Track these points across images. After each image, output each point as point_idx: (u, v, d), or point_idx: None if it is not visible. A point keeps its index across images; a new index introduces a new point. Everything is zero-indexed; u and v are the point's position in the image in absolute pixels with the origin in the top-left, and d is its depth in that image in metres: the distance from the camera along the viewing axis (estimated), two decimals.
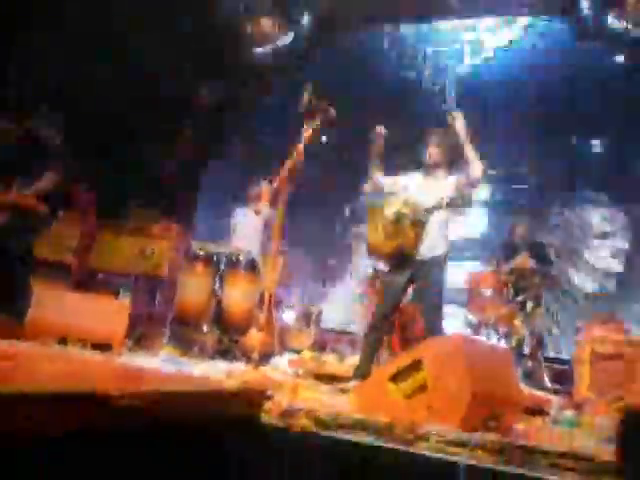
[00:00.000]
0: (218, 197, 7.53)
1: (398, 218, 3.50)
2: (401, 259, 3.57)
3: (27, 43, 5.33)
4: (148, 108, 5.94)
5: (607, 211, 6.98)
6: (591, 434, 2.89)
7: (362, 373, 3.44)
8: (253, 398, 1.88)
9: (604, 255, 6.74)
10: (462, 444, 1.81)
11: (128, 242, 5.90)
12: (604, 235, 6.88)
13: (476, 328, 4.34)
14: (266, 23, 6.40)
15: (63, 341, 3.41)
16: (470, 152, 3.45)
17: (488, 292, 4.47)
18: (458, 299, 4.96)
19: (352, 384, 3.28)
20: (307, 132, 3.31)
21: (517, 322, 4.25)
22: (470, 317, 4.36)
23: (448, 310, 4.71)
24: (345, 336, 5.82)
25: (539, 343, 4.32)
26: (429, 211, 3.46)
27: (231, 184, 7.37)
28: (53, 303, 3.56)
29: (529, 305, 4.28)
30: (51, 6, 5.34)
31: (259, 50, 6.59)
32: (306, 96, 3.35)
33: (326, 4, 6.53)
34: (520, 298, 4.38)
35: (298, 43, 6.81)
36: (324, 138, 7.72)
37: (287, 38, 6.78)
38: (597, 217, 6.99)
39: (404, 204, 3.51)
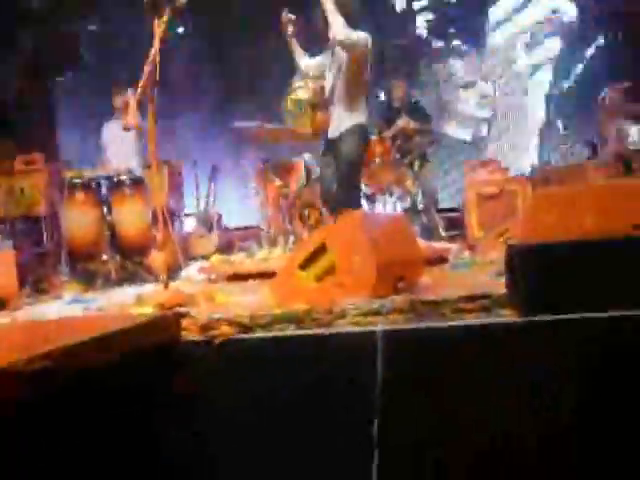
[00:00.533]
0: (80, 115, 6.88)
1: (300, 105, 3.63)
2: (324, 145, 3.72)
3: None
4: None
5: (469, 60, 7.22)
6: (485, 271, 3.20)
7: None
8: (169, 321, 1.86)
9: (472, 103, 7.07)
10: (377, 312, 1.93)
11: None
12: (469, 84, 7.15)
13: (372, 198, 4.49)
14: None
15: None
16: (330, 14, 3.41)
17: (376, 160, 4.58)
18: None
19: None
20: (158, 28, 3.01)
21: (408, 183, 4.44)
22: (365, 188, 4.49)
23: None
24: (249, 232, 5.84)
25: (431, 198, 4.57)
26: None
27: (90, 98, 6.74)
28: None
29: (416, 164, 4.46)
30: None
31: None
32: None
33: None
34: (407, 159, 4.54)
35: None
36: (180, 29, 7.15)
37: None
38: (461, 68, 7.22)
39: (305, 89, 3.64)
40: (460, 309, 1.90)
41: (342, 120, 3.61)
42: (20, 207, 5.17)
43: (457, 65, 7.26)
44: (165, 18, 2.98)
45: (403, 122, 4.78)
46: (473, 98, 7.07)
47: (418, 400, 1.64)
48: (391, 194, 4.47)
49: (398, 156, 4.58)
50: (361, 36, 3.52)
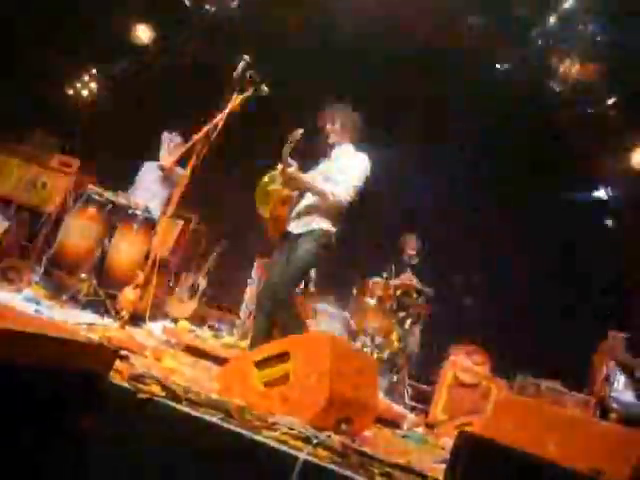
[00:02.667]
0: (129, 146, 7.14)
1: (270, 192, 3.49)
2: (283, 235, 3.51)
3: None
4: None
5: None
6: (432, 453, 3.05)
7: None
8: (102, 354, 1.78)
9: None
10: (307, 439, 1.82)
11: (20, 169, 5.49)
12: None
13: (354, 334, 4.44)
14: None
15: None
16: (315, 189, 3.42)
17: (372, 302, 4.58)
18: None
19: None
20: (234, 100, 3.21)
21: (393, 336, 4.39)
22: (351, 322, 4.45)
23: (332, 311, 4.80)
24: (227, 315, 5.75)
25: (408, 360, 4.50)
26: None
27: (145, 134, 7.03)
28: None
29: (408, 322, 4.44)
30: None
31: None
32: (242, 66, 3.25)
33: None
34: (401, 315, 4.54)
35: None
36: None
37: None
38: None
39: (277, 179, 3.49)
40: (389, 474, 1.79)
41: (310, 219, 3.45)
42: (33, 197, 5.23)
43: None
44: (244, 96, 3.19)
45: (406, 277, 4.84)
46: None
47: None
48: (373, 339, 4.41)
49: (395, 307, 4.59)
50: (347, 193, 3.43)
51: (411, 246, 5.25)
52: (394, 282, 4.77)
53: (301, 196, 3.52)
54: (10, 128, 5.67)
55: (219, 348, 3.89)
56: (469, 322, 5.80)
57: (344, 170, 3.44)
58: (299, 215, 3.48)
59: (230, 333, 4.77)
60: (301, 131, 3.25)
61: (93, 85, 6.58)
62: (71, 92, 6.48)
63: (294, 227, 3.48)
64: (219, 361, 3.48)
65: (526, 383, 4.93)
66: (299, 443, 1.80)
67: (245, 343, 4.34)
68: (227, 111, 3.14)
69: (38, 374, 1.47)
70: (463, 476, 1.64)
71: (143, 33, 6.29)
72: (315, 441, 1.82)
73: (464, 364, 5.01)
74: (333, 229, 3.46)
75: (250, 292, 5.14)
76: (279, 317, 3.36)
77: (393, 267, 4.95)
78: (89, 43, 6.23)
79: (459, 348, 5.03)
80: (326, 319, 4.64)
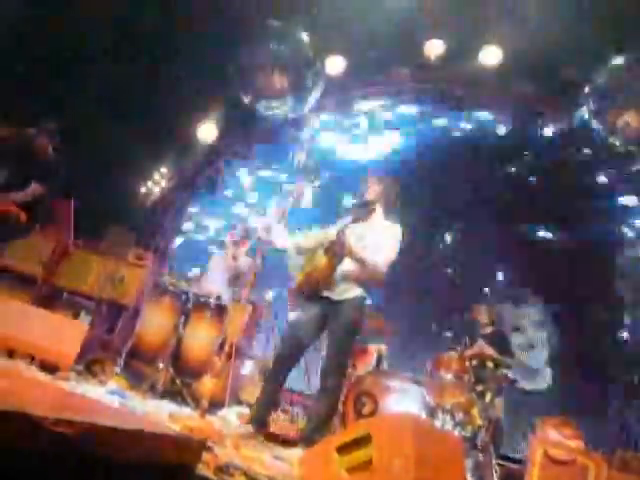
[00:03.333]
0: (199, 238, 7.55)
1: (314, 247, 3.37)
2: (312, 292, 3.35)
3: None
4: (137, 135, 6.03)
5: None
6: None
7: (256, 420, 3.29)
8: (192, 446, 1.81)
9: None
10: None
11: (99, 264, 5.82)
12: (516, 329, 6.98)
13: (432, 411, 4.27)
14: (280, 77, 6.61)
15: (10, 354, 3.29)
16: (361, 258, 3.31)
17: (449, 376, 4.43)
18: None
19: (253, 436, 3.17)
20: (301, 187, 3.37)
21: (474, 412, 4.19)
22: (428, 399, 4.30)
23: (407, 387, 4.66)
24: (300, 397, 5.69)
25: (493, 437, 4.25)
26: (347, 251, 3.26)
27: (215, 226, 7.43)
28: (9, 315, 3.45)
29: (488, 396, 4.24)
30: None
31: (266, 102, 6.76)
32: (303, 156, 3.45)
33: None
34: (480, 387, 4.34)
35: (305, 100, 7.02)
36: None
37: (296, 95, 6.97)
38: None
39: (323, 237, 3.40)
40: None
41: (349, 286, 3.34)
42: (113, 292, 5.51)
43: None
44: (311, 184, 3.33)
45: (479, 347, 4.66)
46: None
47: None
48: (452, 416, 4.21)
49: (472, 381, 4.40)
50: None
51: (483, 316, 5.12)
52: (468, 352, 4.62)
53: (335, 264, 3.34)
54: (89, 225, 6.07)
55: (296, 432, 3.83)
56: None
57: (383, 240, 3.39)
58: (336, 281, 3.34)
59: (304, 416, 4.70)
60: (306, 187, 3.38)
61: (164, 183, 7.04)
62: (144, 189, 6.94)
63: (331, 293, 3.35)
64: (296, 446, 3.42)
65: (628, 457, 4.53)
66: None
67: None
68: (293, 198, 3.28)
69: (132, 469, 1.51)
70: None
71: (207, 132, 6.74)
72: None
73: (554, 439, 4.68)
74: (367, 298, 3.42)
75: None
76: (332, 388, 3.25)
77: (467, 339, 4.81)
78: (162, 143, 6.72)
79: (546, 421, 4.73)
80: (401, 397, 4.50)
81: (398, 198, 3.55)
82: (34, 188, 4.08)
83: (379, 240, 3.38)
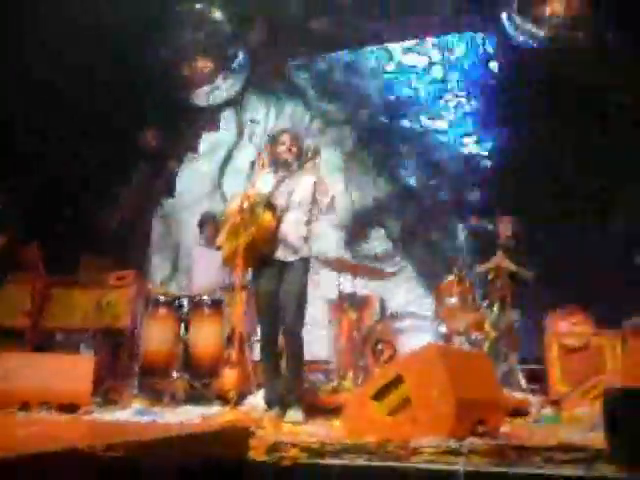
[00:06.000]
0: (170, 240, 7.43)
1: (250, 207, 3.27)
2: (262, 260, 3.36)
3: None
4: (93, 157, 5.85)
5: None
6: (573, 426, 2.93)
7: (271, 403, 3.35)
8: (236, 436, 1.81)
9: None
10: (456, 452, 1.79)
11: (83, 296, 5.69)
12: None
13: (448, 338, 4.35)
14: (203, 64, 6.44)
15: (25, 407, 3.23)
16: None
17: (454, 300, 4.50)
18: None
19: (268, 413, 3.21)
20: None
21: (487, 326, 4.29)
22: (440, 328, 4.38)
23: (417, 323, 4.74)
24: (318, 365, 5.74)
25: (510, 345, 4.37)
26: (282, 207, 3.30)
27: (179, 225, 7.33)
28: (10, 368, 3.37)
29: (496, 307, 4.33)
30: None
31: (199, 90, 6.61)
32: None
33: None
34: (486, 302, 4.43)
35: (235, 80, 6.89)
36: None
37: (224, 77, 6.83)
38: None
39: (254, 195, 3.33)
40: (553, 458, 1.73)
41: (297, 244, 3.37)
42: (105, 319, 5.40)
43: None
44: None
45: (499, 259, 4.61)
46: None
47: None
48: (468, 337, 4.31)
49: (477, 297, 4.48)
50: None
51: (506, 229, 5.00)
52: (483, 267, 4.60)
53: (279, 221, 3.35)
54: (59, 262, 5.91)
55: (325, 398, 3.88)
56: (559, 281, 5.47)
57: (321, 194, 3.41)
58: (280, 239, 3.36)
59: (328, 380, 4.76)
60: None
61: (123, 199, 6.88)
62: (105, 211, 6.78)
63: (281, 253, 3.37)
64: (331, 410, 3.47)
65: (636, 324, 4.70)
66: (450, 458, 1.77)
67: (348, 383, 4.32)
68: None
69: (189, 474, 1.50)
70: (627, 431, 1.58)
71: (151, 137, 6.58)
72: (466, 450, 1.78)
73: (565, 329, 4.84)
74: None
75: (332, 333, 5.13)
76: (291, 349, 3.33)
77: (461, 259, 4.85)
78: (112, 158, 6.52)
79: (554, 315, 4.86)
80: (414, 334, 4.58)
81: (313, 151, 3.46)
82: None
83: (307, 190, 3.41)
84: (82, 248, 6.03)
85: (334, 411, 3.31)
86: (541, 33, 5.76)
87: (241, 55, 6.37)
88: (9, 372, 3.31)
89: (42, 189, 5.28)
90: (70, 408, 3.28)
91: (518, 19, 5.89)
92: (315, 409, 3.62)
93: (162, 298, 4.67)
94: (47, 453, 0.99)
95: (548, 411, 3.75)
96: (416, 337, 4.51)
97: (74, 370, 3.48)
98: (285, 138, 3.53)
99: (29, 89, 5.40)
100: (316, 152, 3.36)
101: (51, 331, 5.37)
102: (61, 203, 5.72)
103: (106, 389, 4.09)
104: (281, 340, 3.43)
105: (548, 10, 5.58)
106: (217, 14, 5.95)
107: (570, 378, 4.48)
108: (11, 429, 1.41)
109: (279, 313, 3.36)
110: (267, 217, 3.24)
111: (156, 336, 4.57)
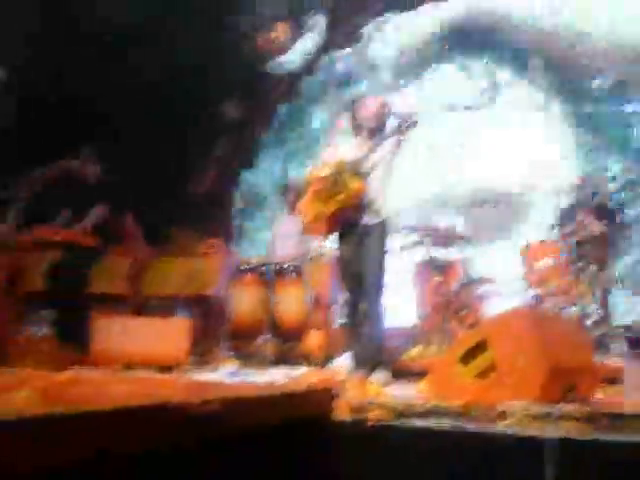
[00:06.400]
0: (254, 209, 7.63)
1: (338, 172, 3.22)
2: (345, 226, 3.32)
3: None
4: (176, 128, 6.06)
5: None
6: None
7: (359, 365, 3.35)
8: (322, 397, 1.86)
9: None
10: (546, 416, 1.74)
11: (177, 265, 5.99)
12: None
13: (540, 301, 4.18)
14: (280, 29, 6.43)
15: (128, 367, 3.48)
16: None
17: (548, 262, 4.29)
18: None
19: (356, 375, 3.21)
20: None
21: (581, 288, 4.08)
22: (532, 291, 4.21)
23: (504, 288, 4.59)
24: (403, 331, 5.74)
25: (606, 309, 4.14)
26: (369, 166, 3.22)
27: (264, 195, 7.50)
28: (114, 332, 3.64)
29: (592, 270, 4.10)
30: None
31: (278, 59, 6.62)
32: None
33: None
34: (581, 264, 4.20)
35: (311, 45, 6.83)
36: None
37: (302, 42, 6.78)
38: None
39: (339, 162, 3.27)
40: None
41: (380, 206, 3.33)
42: (196, 287, 5.68)
43: None
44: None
45: (589, 224, 4.36)
46: None
47: None
48: (561, 300, 4.12)
49: (573, 259, 4.25)
50: None
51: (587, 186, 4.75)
52: (567, 230, 4.38)
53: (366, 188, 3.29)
54: (153, 233, 6.23)
55: (411, 362, 3.89)
56: None
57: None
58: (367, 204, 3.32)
59: (414, 345, 4.75)
60: None
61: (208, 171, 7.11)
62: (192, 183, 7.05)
63: (366, 217, 3.33)
64: (417, 374, 3.48)
65: None
66: (540, 423, 1.73)
67: (432, 349, 4.30)
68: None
69: (278, 433, 1.57)
70: None
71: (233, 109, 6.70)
72: (556, 415, 1.73)
73: None
74: None
75: (416, 297, 5.10)
76: (372, 315, 3.30)
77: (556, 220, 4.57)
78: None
79: None
80: (501, 298, 4.45)
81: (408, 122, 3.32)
82: (96, 211, 4.21)
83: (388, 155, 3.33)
84: (173, 219, 6.31)
85: (420, 375, 3.31)
86: None
87: (317, 18, 6.29)
88: (113, 335, 3.57)
89: (132, 160, 5.55)
90: (168, 368, 3.50)
91: None
92: (401, 373, 3.65)
93: (247, 266, 4.84)
94: (143, 407, 1.06)
95: None
96: (505, 301, 4.39)
97: (173, 332, 3.71)
98: (368, 103, 3.47)
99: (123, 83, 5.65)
100: (411, 124, 3.23)
101: (148, 298, 5.71)
102: (150, 174, 5.99)
103: (200, 351, 4.33)
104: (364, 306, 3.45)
105: None
106: None
107: None
108: (108, 386, 1.53)
109: (361, 278, 3.37)
110: (355, 185, 3.22)
111: (244, 301, 4.76)
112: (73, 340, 3.85)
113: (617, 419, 1.72)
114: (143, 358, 3.44)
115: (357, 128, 3.49)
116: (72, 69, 5.35)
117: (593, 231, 4.33)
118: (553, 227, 4.57)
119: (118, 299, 5.54)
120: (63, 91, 5.31)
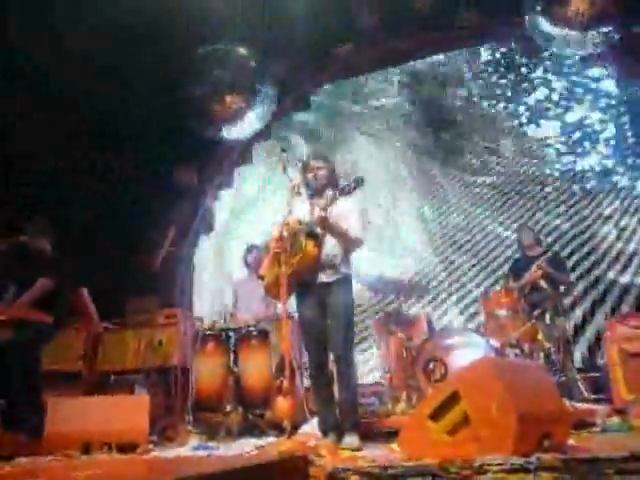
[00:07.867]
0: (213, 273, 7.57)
1: (291, 235, 3.28)
2: (304, 286, 3.34)
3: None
4: (130, 194, 6.03)
5: None
6: None
7: (326, 430, 3.31)
8: (295, 465, 1.80)
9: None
10: (524, 469, 1.72)
11: (134, 338, 5.80)
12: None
13: (500, 351, 4.23)
14: (231, 99, 6.58)
15: (86, 450, 3.28)
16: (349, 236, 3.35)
17: (503, 312, 4.39)
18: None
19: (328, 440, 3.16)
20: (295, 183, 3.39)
21: (540, 337, 4.16)
22: (491, 341, 4.26)
23: (467, 339, 4.62)
24: (369, 388, 5.67)
25: (567, 353, 4.22)
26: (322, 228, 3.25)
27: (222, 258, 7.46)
28: (70, 412, 3.45)
29: (548, 316, 4.21)
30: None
31: (230, 126, 6.75)
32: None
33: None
34: (537, 312, 4.31)
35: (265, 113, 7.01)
36: None
37: (254, 111, 6.96)
38: None
39: (293, 223, 3.32)
40: (625, 470, 1.64)
41: (333, 266, 3.35)
42: (157, 358, 5.49)
43: None
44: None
45: (535, 273, 4.55)
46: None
47: None
48: (521, 349, 4.18)
49: (527, 308, 4.37)
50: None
51: (527, 239, 5.02)
52: (519, 283, 4.58)
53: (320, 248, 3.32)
54: (108, 307, 6.05)
55: (380, 422, 3.81)
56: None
57: (349, 214, 3.41)
58: (323, 263, 3.34)
59: (380, 405, 4.68)
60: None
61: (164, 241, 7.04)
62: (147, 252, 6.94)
63: (323, 276, 3.35)
64: (388, 434, 3.41)
65: None
66: (519, 475, 1.71)
67: (400, 407, 4.24)
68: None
69: None
70: None
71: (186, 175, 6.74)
72: (533, 466, 1.71)
73: (624, 333, 4.64)
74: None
75: (380, 354, 5.07)
76: (343, 374, 3.27)
77: (509, 273, 4.76)
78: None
79: (612, 321, 4.68)
80: (465, 350, 4.46)
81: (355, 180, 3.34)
82: (41, 283, 4.08)
83: (342, 214, 3.38)
84: (127, 291, 6.16)
85: (391, 434, 3.25)
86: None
87: (268, 87, 6.48)
88: (68, 415, 3.38)
89: (83, 235, 5.46)
90: (129, 448, 3.32)
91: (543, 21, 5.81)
92: (371, 434, 3.56)
93: (210, 332, 4.72)
94: None
95: (615, 420, 3.58)
96: (468, 353, 4.41)
97: (131, 410, 3.53)
98: (315, 165, 3.54)
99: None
100: (359, 182, 3.26)
101: (104, 374, 5.48)
102: (102, 247, 5.88)
103: (162, 427, 4.13)
104: (332, 366, 3.40)
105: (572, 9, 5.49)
106: (242, 50, 6.09)
107: (636, 385, 4.28)
108: (73, 472, 1.44)
109: (325, 338, 3.33)
110: (310, 246, 3.25)
111: (207, 371, 4.60)
112: (25, 424, 3.63)
113: (594, 464, 1.71)
114: (101, 438, 3.25)
115: (309, 189, 3.55)
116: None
117: (536, 280, 4.49)
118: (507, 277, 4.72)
119: (74, 376, 5.29)
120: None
